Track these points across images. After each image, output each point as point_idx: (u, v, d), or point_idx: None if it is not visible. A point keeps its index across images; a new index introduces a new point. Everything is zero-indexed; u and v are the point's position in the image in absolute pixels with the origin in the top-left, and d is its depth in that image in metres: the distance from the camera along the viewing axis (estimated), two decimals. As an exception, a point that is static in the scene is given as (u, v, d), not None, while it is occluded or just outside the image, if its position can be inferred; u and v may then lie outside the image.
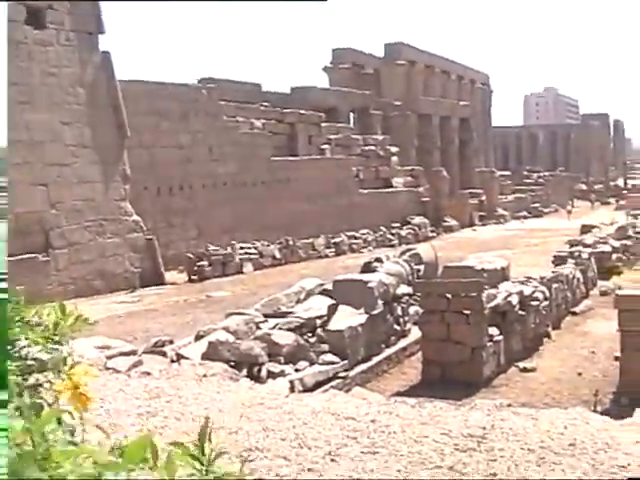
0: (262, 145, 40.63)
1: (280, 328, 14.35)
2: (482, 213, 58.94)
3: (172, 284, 30.07)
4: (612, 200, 77.89)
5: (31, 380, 2.36)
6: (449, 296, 15.19)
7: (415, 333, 16.95)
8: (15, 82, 24.34)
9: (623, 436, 6.72)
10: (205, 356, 12.20)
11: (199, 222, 35.80)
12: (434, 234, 49.44)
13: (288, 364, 13.15)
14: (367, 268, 19.08)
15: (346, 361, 14.30)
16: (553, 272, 21.31)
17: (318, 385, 12.92)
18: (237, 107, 41.13)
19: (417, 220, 50.07)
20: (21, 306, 2.56)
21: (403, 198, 51.44)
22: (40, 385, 2.34)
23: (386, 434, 6.88)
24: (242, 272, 32.84)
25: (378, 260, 19.68)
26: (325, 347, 14.41)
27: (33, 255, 24.98)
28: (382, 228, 45.84)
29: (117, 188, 29.17)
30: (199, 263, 31.53)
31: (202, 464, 2.10)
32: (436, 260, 21.61)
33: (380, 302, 16.42)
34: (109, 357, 11.23)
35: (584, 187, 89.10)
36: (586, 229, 34.59)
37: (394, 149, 54.23)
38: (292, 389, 11.16)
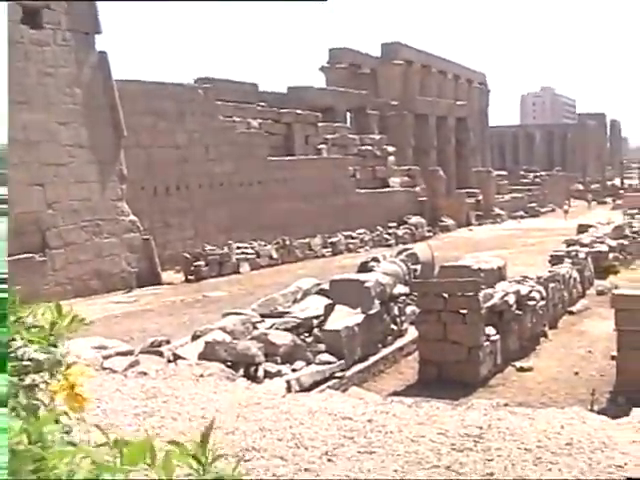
0: (259, 145, 40.63)
1: (277, 328, 14.35)
2: (479, 213, 58.96)
3: (169, 284, 30.06)
4: (609, 200, 77.93)
5: (27, 380, 2.35)
6: (446, 296, 15.20)
7: (412, 333, 16.95)
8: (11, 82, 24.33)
9: (620, 435, 6.72)
10: (202, 356, 12.20)
11: (196, 222, 35.80)
12: (431, 234, 49.47)
13: (285, 364, 13.15)
14: (364, 268, 19.09)
15: (343, 361, 14.30)
16: (550, 272, 21.32)
17: (315, 385, 12.92)
18: (234, 107, 41.12)
19: (414, 220, 50.07)
20: (16, 306, 2.56)
21: (400, 198, 51.45)
22: (36, 386, 2.34)
23: (383, 434, 6.87)
24: (239, 272, 32.83)
25: (375, 260, 19.69)
26: (322, 347, 14.41)
27: (30, 255, 24.96)
28: (379, 228, 45.84)
29: (114, 188, 29.16)
30: (196, 263, 31.52)
31: (201, 464, 2.10)
32: (433, 260, 21.62)
33: (377, 302, 16.42)
34: (106, 357, 11.22)
35: (581, 187, 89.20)
36: (583, 229, 34.58)
37: (391, 149, 54.26)
38: (289, 389, 11.16)
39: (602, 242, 29.28)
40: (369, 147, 52.14)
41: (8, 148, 22.37)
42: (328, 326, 15.09)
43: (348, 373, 14.31)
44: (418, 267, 20.40)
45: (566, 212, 62.88)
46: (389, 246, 40.11)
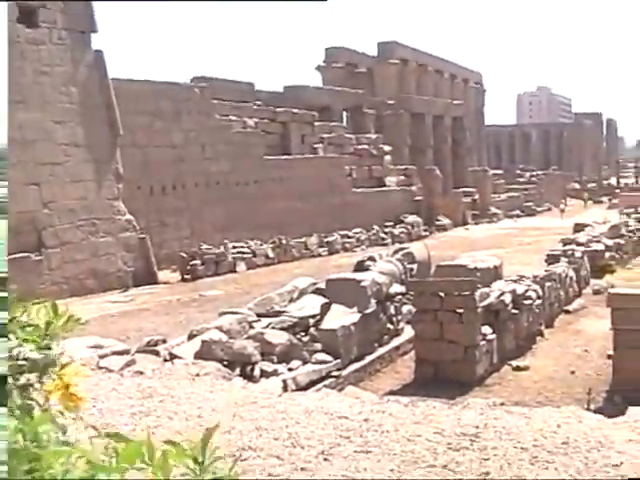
0: (255, 144, 40.62)
1: (273, 327, 14.34)
2: (475, 212, 58.97)
3: (165, 283, 30.05)
4: (605, 199, 77.97)
5: (22, 380, 2.35)
6: (442, 295, 15.19)
7: (408, 332, 16.95)
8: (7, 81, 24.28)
9: (616, 434, 6.72)
10: (198, 355, 12.19)
11: (192, 221, 35.79)
12: (427, 233, 49.48)
13: (281, 363, 13.15)
14: (360, 267, 19.08)
15: (339, 360, 14.29)
16: (546, 271, 21.32)
17: (311, 384, 12.91)
18: (230, 106, 41.11)
19: (410, 219, 50.08)
20: (11, 304, 2.55)
21: (396, 197, 51.45)
22: (31, 385, 2.33)
23: (379, 433, 6.87)
24: (235, 271, 32.82)
25: (371, 259, 19.67)
26: (318, 346, 14.40)
27: (26, 254, 24.93)
28: (375, 227, 45.84)
29: (110, 187, 29.14)
30: (192, 262, 31.51)
31: (198, 464, 2.09)
32: (429, 259, 21.62)
33: (373, 301, 16.42)
34: (102, 356, 11.22)
35: (577, 186, 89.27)
36: (579, 228, 34.59)
37: (387, 148, 54.26)
38: (285, 388, 11.16)
39: (598, 241, 29.28)
40: (365, 146, 52.14)
41: (8, 148, 22.41)
42: (324, 325, 15.08)
43: (344, 372, 14.30)
44: (414, 266, 20.39)
45: (563, 211, 62.93)
46: (385, 245, 40.09)
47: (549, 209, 70.06)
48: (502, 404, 10.70)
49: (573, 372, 15.13)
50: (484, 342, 15.15)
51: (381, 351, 16.25)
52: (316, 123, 48.22)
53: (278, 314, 15.29)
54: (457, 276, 16.18)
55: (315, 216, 42.00)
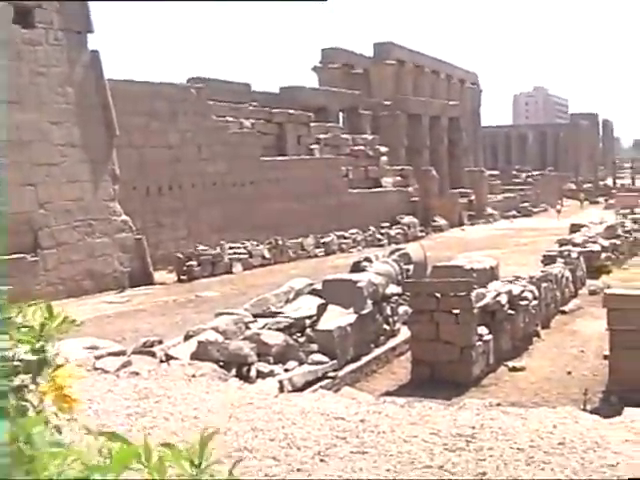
0: (251, 145, 40.61)
1: (269, 328, 14.34)
2: (471, 213, 58.96)
3: (161, 284, 30.03)
4: (601, 199, 78.06)
5: (16, 381, 2.34)
6: (438, 296, 15.19)
7: (404, 333, 16.95)
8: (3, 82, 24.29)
9: (612, 435, 6.73)
10: (194, 356, 12.19)
11: (188, 222, 35.78)
12: (423, 234, 49.46)
13: (277, 364, 13.14)
14: (356, 268, 19.08)
15: (335, 361, 14.29)
16: (542, 271, 21.34)
17: (307, 385, 12.91)
18: (226, 107, 41.11)
19: (406, 220, 50.08)
20: (6, 306, 2.54)
21: (392, 198, 51.45)
22: (25, 387, 2.32)
23: (375, 434, 6.88)
24: (231, 272, 32.80)
25: (367, 260, 19.68)
26: (314, 347, 14.40)
27: (22, 255, 24.90)
28: (371, 228, 45.82)
29: (106, 188, 29.11)
30: (188, 263, 31.48)
31: (196, 466, 2.09)
32: (425, 260, 21.62)
33: (369, 302, 16.42)
34: (98, 357, 11.20)
35: (573, 186, 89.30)
36: (575, 228, 34.62)
37: (383, 149, 54.25)
38: (281, 389, 11.15)
39: (594, 242, 29.31)
40: (362, 147, 52.13)
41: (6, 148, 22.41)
42: (321, 326, 15.08)
43: (341, 373, 14.30)
44: (411, 267, 20.40)
45: (559, 212, 62.96)
46: (382, 246, 40.07)
47: (545, 210, 70.05)
48: (498, 405, 10.71)
49: (569, 373, 15.14)
50: (480, 343, 15.16)
51: (377, 352, 16.26)
52: (312, 124, 48.22)
53: (274, 315, 15.28)
54: (453, 277, 16.18)
55: (311, 217, 41.99)
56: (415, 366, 15.16)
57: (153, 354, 12.31)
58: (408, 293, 16.68)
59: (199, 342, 12.67)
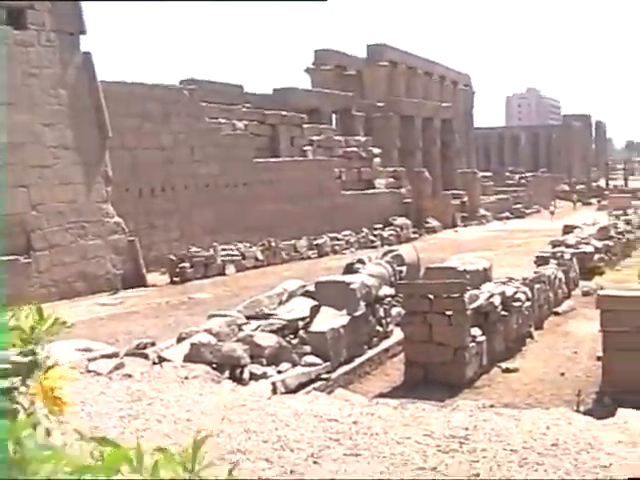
0: (244, 146, 40.59)
1: (262, 330, 14.32)
2: (464, 214, 59.00)
3: (154, 286, 29.99)
4: (594, 201, 78.17)
5: (5, 384, 2.33)
6: (431, 297, 15.19)
7: (397, 334, 16.94)
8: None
9: (605, 436, 6.73)
10: (187, 358, 12.17)
11: (181, 223, 35.75)
12: (416, 235, 49.48)
13: (270, 366, 13.13)
14: (349, 269, 19.08)
15: (328, 363, 14.28)
16: (535, 272, 21.35)
17: (300, 387, 12.90)
18: (219, 108, 41.07)
19: (399, 221, 50.10)
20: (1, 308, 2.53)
21: (385, 199, 51.46)
22: (15, 389, 2.31)
23: (368, 436, 6.87)
24: (224, 274, 32.78)
25: (360, 261, 19.68)
26: (307, 349, 14.39)
27: (14, 257, 24.85)
28: (364, 229, 45.82)
29: (99, 189, 29.07)
30: (181, 265, 31.45)
31: (189, 471, 2.07)
32: (418, 261, 21.63)
33: (362, 303, 16.41)
34: (90, 360, 11.18)
35: (566, 188, 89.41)
36: (568, 230, 34.66)
37: (376, 150, 54.25)
38: (274, 391, 11.14)
39: (587, 243, 29.34)
40: (354, 149, 52.12)
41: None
42: (314, 328, 15.07)
43: (334, 375, 14.29)
44: (404, 269, 20.40)
45: (552, 213, 63.02)
46: (374, 248, 40.06)
47: (538, 211, 70.14)
48: (491, 406, 10.72)
49: (562, 374, 15.14)
50: (473, 344, 15.16)
51: (370, 353, 16.25)
52: (305, 125, 48.21)
53: (267, 317, 15.26)
54: (446, 278, 16.18)
55: (304, 218, 41.99)
56: (408, 368, 15.15)
57: (146, 356, 12.28)
58: (401, 295, 16.68)
59: (192, 344, 12.65)
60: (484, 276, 18.64)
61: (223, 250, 33.94)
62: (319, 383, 13.57)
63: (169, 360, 12.06)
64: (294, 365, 13.62)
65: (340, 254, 39.61)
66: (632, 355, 12.99)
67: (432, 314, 15.08)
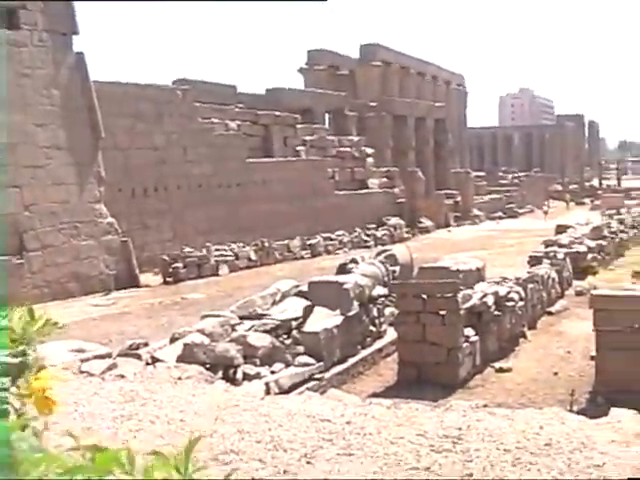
0: (237, 146, 40.56)
1: (256, 330, 14.31)
2: (457, 214, 59.06)
3: (147, 286, 29.96)
4: (587, 200, 78.28)
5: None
6: (425, 297, 15.19)
7: (391, 334, 16.94)
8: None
9: (599, 435, 6.73)
10: (180, 358, 12.15)
11: (174, 224, 35.72)
12: (409, 235, 49.52)
13: (264, 366, 13.12)
14: (342, 269, 19.08)
15: (322, 363, 14.28)
16: (528, 272, 21.36)
17: (294, 387, 12.89)
18: (212, 108, 41.03)
19: (393, 221, 50.12)
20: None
21: (378, 199, 51.47)
22: (6, 389, 2.30)
23: (362, 436, 6.86)
24: (217, 274, 32.76)
25: (353, 261, 19.67)
26: (301, 349, 14.39)
27: (7, 257, 24.81)
28: (357, 229, 45.83)
29: (92, 190, 29.03)
30: (174, 265, 31.42)
31: (180, 473, 2.07)
32: (412, 261, 21.63)
33: (356, 303, 16.41)
34: (83, 360, 11.16)
35: (559, 187, 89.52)
36: (561, 229, 34.68)
37: (369, 150, 54.25)
38: (268, 391, 11.14)
39: (580, 243, 29.35)
40: (348, 148, 52.12)
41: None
42: (307, 328, 15.06)
43: (327, 375, 14.28)
44: (397, 268, 20.39)
45: (546, 213, 63.11)
46: (368, 247, 40.05)
47: (531, 211, 70.26)
48: (485, 406, 10.71)
49: (556, 373, 15.15)
50: (467, 344, 15.16)
51: (364, 353, 16.24)
52: (298, 126, 48.20)
53: (260, 317, 15.25)
54: (440, 278, 16.19)
55: (298, 219, 41.99)
56: (402, 367, 15.15)
57: (139, 357, 12.26)
58: (394, 294, 16.68)
59: (185, 344, 12.63)
60: (477, 276, 18.65)
61: (216, 250, 33.92)
62: (312, 383, 13.56)
63: (162, 360, 12.04)
64: (287, 365, 13.61)
65: (333, 254, 39.62)
66: (625, 355, 13.01)
67: (425, 314, 15.08)
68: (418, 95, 73.39)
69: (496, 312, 16.70)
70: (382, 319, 17.75)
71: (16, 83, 26.10)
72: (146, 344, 13.89)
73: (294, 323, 15.23)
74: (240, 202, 39.05)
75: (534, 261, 24.77)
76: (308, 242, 40.54)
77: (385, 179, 54.43)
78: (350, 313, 16.02)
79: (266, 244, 36.77)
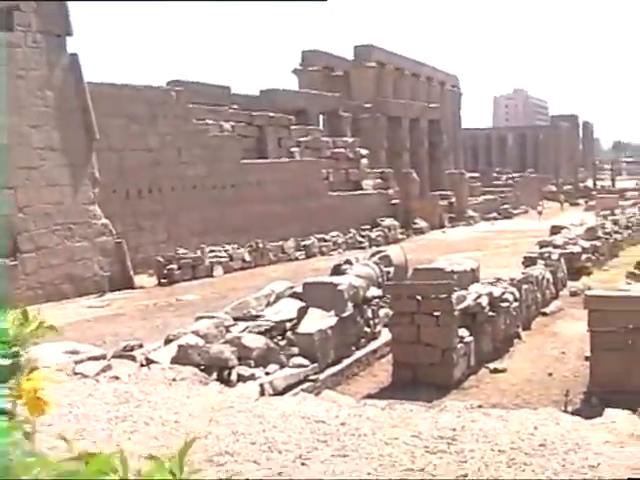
0: (231, 148, 40.56)
1: (250, 331, 14.29)
2: (452, 215, 59.14)
3: (141, 288, 29.94)
4: (581, 201, 78.40)
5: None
6: (419, 298, 15.18)
7: (385, 335, 16.94)
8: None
9: (593, 436, 6.73)
10: (175, 360, 12.13)
11: (168, 225, 35.70)
12: (404, 236, 49.55)
13: (258, 367, 13.11)
14: (337, 271, 19.06)
15: (316, 364, 14.27)
16: (523, 273, 21.38)
17: (288, 388, 12.88)
18: (206, 110, 41.04)
19: (387, 222, 50.15)
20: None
21: (373, 200, 51.50)
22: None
23: (356, 437, 6.86)
24: (212, 275, 32.76)
25: (348, 262, 19.66)
26: (295, 350, 14.37)
27: (0, 259, 24.78)
28: (352, 230, 45.84)
29: (86, 191, 29.00)
30: (168, 266, 31.41)
31: (174, 475, 2.06)
32: (406, 262, 21.62)
33: (350, 304, 16.40)
34: (78, 362, 11.14)
35: (554, 188, 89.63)
36: (556, 230, 34.70)
37: (364, 151, 54.29)
38: (262, 392, 11.13)
39: (575, 243, 29.39)
40: (342, 150, 52.16)
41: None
42: (301, 329, 15.05)
43: (321, 376, 14.27)
44: (391, 269, 20.38)
45: (540, 213, 63.19)
46: (362, 249, 40.06)
47: (526, 211, 70.35)
48: (479, 407, 10.71)
49: (550, 374, 15.16)
50: (461, 345, 15.17)
51: (358, 354, 16.23)
52: (293, 127, 48.23)
53: (255, 318, 15.24)
54: (434, 279, 16.19)
55: (292, 220, 42.00)
56: (396, 368, 15.15)
57: (133, 358, 12.25)
58: (389, 295, 16.68)
59: (179, 346, 12.62)
60: (472, 277, 18.65)
61: (211, 252, 33.90)
62: (307, 384, 13.55)
63: (157, 362, 12.03)
64: (282, 367, 13.60)
65: (328, 255, 39.64)
66: (619, 355, 13.02)
67: (420, 315, 15.08)
68: (412, 96, 73.42)
69: (490, 313, 16.70)
70: (376, 320, 17.74)
71: (10, 84, 26.06)
72: (140, 345, 13.87)
73: (288, 324, 15.21)
74: (234, 203, 39.05)
75: (528, 262, 24.79)
76: (302, 243, 40.54)
77: (379, 180, 54.46)
78: (344, 314, 16.01)
79: (260, 245, 36.77)
